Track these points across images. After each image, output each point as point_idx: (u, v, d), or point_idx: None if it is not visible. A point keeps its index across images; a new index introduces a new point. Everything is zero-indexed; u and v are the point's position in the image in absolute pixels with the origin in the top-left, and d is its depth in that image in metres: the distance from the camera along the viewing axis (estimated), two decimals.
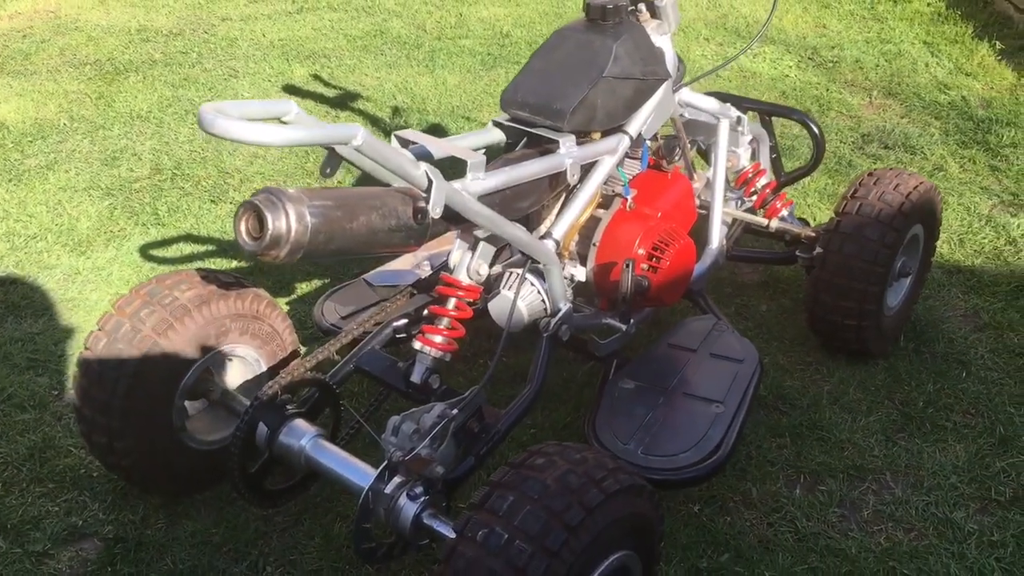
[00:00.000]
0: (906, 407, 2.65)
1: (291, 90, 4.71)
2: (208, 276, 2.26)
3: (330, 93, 4.68)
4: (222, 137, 1.50)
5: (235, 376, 2.33)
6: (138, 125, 4.34)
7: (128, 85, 4.77)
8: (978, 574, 2.15)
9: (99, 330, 2.17)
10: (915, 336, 2.93)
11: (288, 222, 1.61)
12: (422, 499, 1.88)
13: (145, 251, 3.37)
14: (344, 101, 4.59)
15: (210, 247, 3.41)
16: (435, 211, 1.82)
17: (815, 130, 3.03)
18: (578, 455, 1.74)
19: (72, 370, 2.20)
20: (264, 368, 2.35)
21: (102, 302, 3.07)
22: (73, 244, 3.40)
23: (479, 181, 1.99)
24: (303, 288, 3.19)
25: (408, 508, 1.87)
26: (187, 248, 3.40)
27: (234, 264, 3.30)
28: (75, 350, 2.83)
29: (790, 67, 5.00)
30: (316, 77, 4.89)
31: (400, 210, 1.81)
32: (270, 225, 1.60)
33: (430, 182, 1.80)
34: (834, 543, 2.23)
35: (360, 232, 1.74)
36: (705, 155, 2.94)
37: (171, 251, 3.39)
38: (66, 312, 3.04)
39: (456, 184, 1.92)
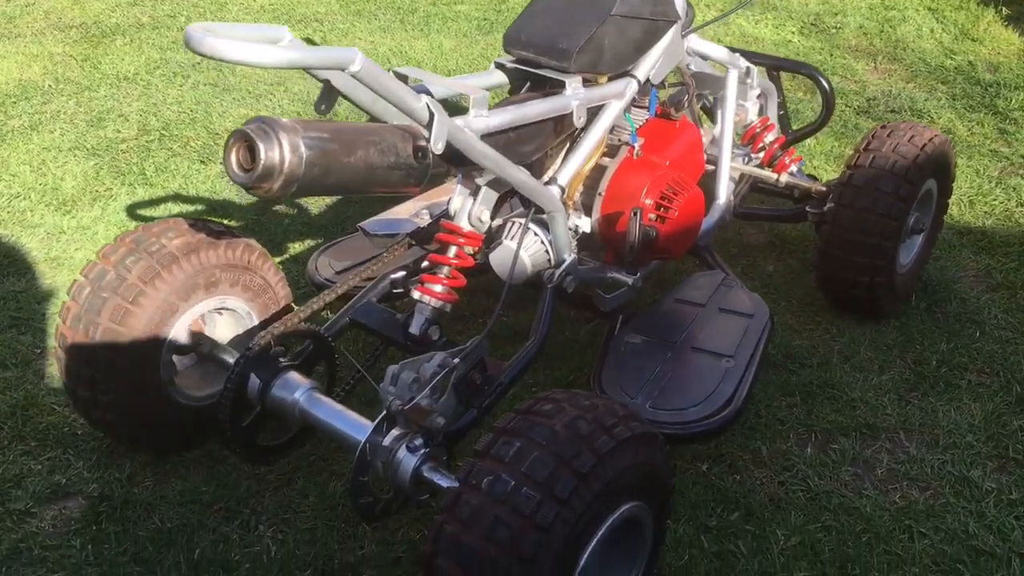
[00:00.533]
0: (919, 366, 2.57)
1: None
2: (197, 224, 2.16)
3: None
4: (210, 56, 1.40)
5: (225, 330, 2.23)
6: (125, 87, 4.22)
7: (115, 48, 4.64)
8: (998, 532, 2.07)
9: (83, 278, 2.07)
10: (927, 296, 2.85)
11: (281, 153, 1.51)
12: (422, 451, 1.78)
13: (132, 210, 3.26)
14: None
15: (199, 207, 3.30)
16: (436, 146, 1.72)
17: (824, 85, 2.93)
18: (587, 401, 1.65)
19: (55, 323, 2.10)
20: (256, 322, 2.25)
21: (87, 260, 2.96)
22: (57, 203, 3.29)
23: (482, 118, 1.89)
24: (296, 247, 3.09)
25: (407, 461, 1.78)
26: (175, 208, 3.29)
27: (225, 224, 3.19)
28: (59, 308, 2.72)
29: (792, 33, 4.90)
30: (308, 41, 4.77)
31: (400, 146, 1.72)
32: (262, 155, 1.50)
33: (431, 116, 1.71)
34: (848, 502, 2.15)
35: (357, 167, 1.65)
36: (710, 113, 2.85)
37: (159, 210, 3.28)
38: (49, 271, 2.94)
39: (458, 121, 1.82)
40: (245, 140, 1.53)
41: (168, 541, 2.03)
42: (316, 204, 3.36)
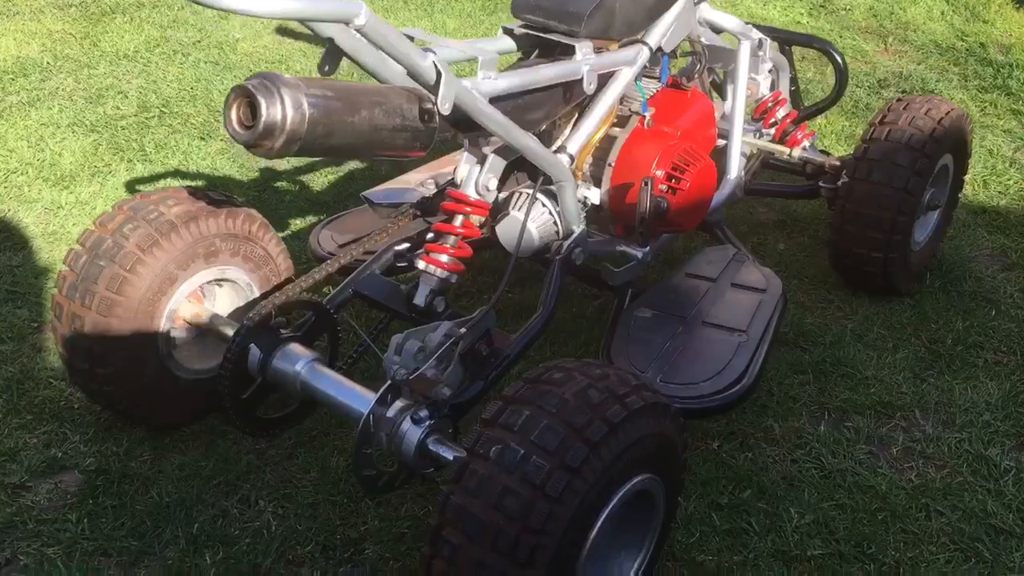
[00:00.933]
0: (934, 344, 2.52)
1: (285, 32, 4.53)
2: (197, 193, 2.11)
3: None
4: (206, 5, 1.33)
5: (225, 301, 2.18)
6: (124, 64, 4.15)
7: (114, 26, 4.57)
8: (1017, 512, 2.02)
9: (79, 247, 2.01)
10: (941, 275, 2.79)
11: (283, 110, 1.45)
12: (427, 423, 1.73)
13: (131, 186, 3.20)
14: None
15: (199, 182, 3.25)
16: (444, 107, 1.66)
17: (838, 59, 2.88)
18: (599, 370, 1.60)
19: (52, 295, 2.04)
20: (256, 293, 2.20)
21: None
22: (55, 179, 3.23)
23: (490, 81, 1.83)
24: (298, 222, 3.04)
25: (412, 433, 1.73)
26: (175, 183, 3.23)
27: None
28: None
29: (801, 14, 4.84)
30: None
31: (406, 108, 1.66)
32: (263, 112, 1.44)
33: (439, 75, 1.65)
34: (862, 480, 2.10)
35: (362, 128, 1.59)
36: (720, 89, 2.79)
37: (158, 186, 3.21)
38: (47, 245, 2.89)
39: (466, 82, 1.76)
40: (246, 96, 1.47)
41: (166, 516, 1.98)
42: (318, 180, 3.30)
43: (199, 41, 4.37)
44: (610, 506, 1.54)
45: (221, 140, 3.51)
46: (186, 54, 4.26)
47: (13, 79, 3.97)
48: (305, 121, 1.48)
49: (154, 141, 3.50)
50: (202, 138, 3.54)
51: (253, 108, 1.47)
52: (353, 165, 3.39)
